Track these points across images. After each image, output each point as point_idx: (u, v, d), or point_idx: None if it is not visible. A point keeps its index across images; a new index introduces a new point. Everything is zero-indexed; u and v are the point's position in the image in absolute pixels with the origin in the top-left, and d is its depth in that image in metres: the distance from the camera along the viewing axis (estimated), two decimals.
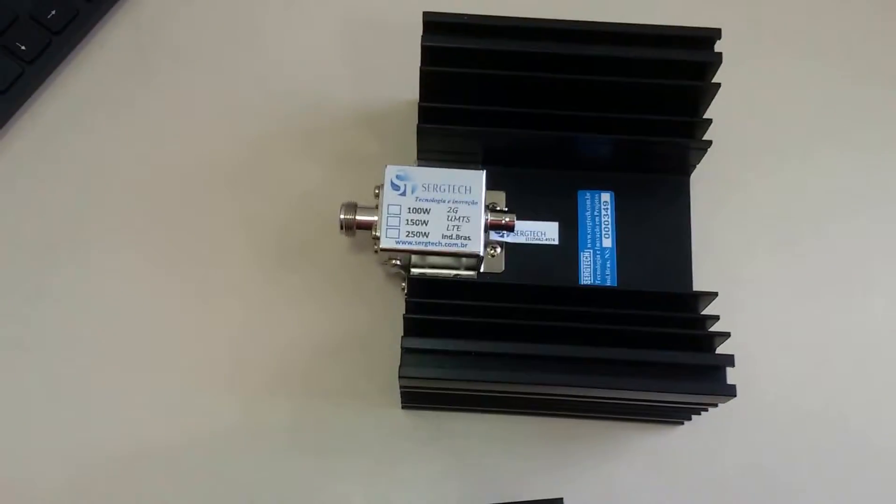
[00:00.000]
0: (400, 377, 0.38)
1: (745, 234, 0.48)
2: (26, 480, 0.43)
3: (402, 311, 0.39)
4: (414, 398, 0.43)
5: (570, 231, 0.45)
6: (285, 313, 0.46)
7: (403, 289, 0.44)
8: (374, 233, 0.42)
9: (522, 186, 0.45)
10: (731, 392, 0.38)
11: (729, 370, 0.38)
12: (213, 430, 0.44)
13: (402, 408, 0.44)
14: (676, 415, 0.43)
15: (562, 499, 0.35)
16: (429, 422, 0.44)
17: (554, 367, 0.38)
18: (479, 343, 0.38)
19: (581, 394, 0.40)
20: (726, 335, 0.39)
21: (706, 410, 0.42)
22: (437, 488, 0.43)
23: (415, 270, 0.43)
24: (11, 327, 0.45)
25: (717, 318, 0.40)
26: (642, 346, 0.38)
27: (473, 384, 0.39)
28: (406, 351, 0.38)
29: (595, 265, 0.44)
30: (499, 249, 0.44)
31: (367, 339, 0.45)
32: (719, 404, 0.40)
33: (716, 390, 0.38)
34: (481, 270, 0.43)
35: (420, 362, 0.38)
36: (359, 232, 0.44)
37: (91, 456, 0.43)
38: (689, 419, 0.44)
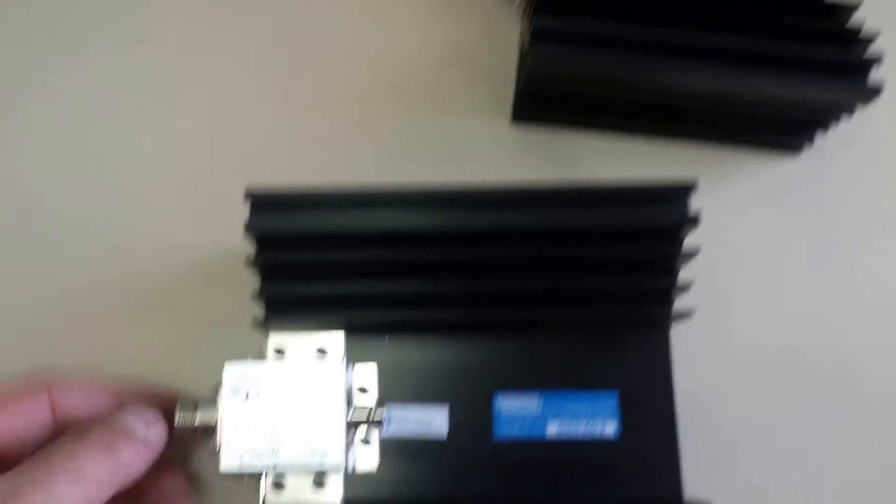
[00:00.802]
0: (534, 56, 0.36)
1: None
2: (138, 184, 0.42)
3: (516, 27, 0.37)
4: (529, 103, 0.41)
5: None
6: (399, 22, 0.44)
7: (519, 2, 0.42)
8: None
9: None
10: (874, 92, 0.36)
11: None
12: (322, 138, 0.43)
13: (512, 122, 0.43)
14: (802, 132, 0.42)
15: (694, 183, 0.34)
16: (538, 137, 0.43)
17: (690, 56, 0.37)
18: (616, 25, 0.37)
19: (716, 89, 0.38)
20: (872, 39, 0.37)
21: (834, 124, 0.40)
22: None
23: None
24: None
25: (861, 25, 0.38)
26: (784, 43, 0.37)
27: (605, 71, 0.37)
28: (537, 33, 0.36)
29: None
30: None
31: (479, 51, 0.44)
32: (849, 117, 0.39)
33: (859, 89, 0.37)
34: None
35: (550, 47, 0.36)
36: None
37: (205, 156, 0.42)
38: (811, 142, 0.42)
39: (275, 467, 0.34)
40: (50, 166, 0.42)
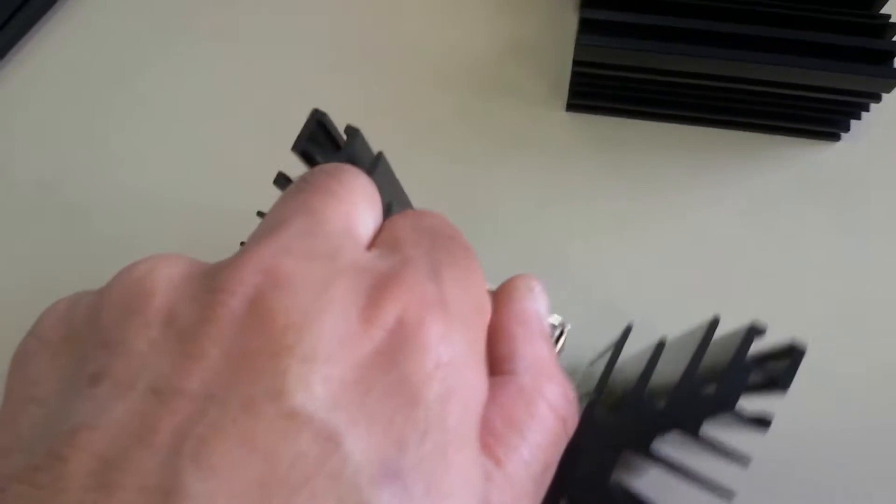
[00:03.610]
0: (578, 45, 0.41)
1: None
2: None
3: (573, 18, 0.41)
4: (581, 90, 0.45)
5: None
6: (469, 19, 0.49)
7: None
8: None
9: None
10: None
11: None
12: (384, 124, 0.47)
13: (567, 109, 0.47)
14: (836, 116, 0.44)
15: None
16: (590, 125, 0.46)
17: (730, 44, 0.40)
18: (657, 18, 0.41)
19: (751, 77, 0.41)
20: None
21: (866, 111, 0.43)
22: (590, 187, 0.45)
23: None
24: None
25: (888, 16, 0.41)
26: (817, 32, 0.40)
27: (648, 58, 0.41)
28: (585, 22, 0.41)
29: None
30: None
31: (539, 45, 0.48)
32: (882, 100, 0.42)
33: (886, 74, 0.39)
34: None
35: (598, 35, 0.41)
36: None
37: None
38: (847, 130, 0.45)
39: None
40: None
